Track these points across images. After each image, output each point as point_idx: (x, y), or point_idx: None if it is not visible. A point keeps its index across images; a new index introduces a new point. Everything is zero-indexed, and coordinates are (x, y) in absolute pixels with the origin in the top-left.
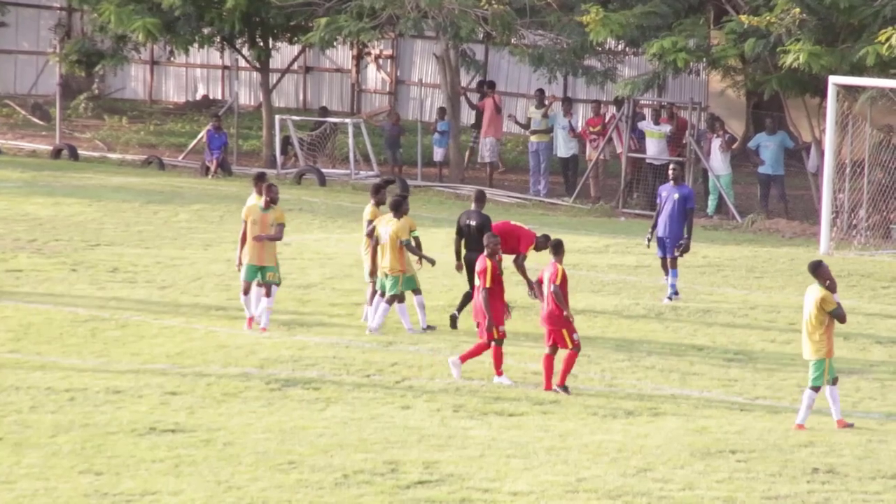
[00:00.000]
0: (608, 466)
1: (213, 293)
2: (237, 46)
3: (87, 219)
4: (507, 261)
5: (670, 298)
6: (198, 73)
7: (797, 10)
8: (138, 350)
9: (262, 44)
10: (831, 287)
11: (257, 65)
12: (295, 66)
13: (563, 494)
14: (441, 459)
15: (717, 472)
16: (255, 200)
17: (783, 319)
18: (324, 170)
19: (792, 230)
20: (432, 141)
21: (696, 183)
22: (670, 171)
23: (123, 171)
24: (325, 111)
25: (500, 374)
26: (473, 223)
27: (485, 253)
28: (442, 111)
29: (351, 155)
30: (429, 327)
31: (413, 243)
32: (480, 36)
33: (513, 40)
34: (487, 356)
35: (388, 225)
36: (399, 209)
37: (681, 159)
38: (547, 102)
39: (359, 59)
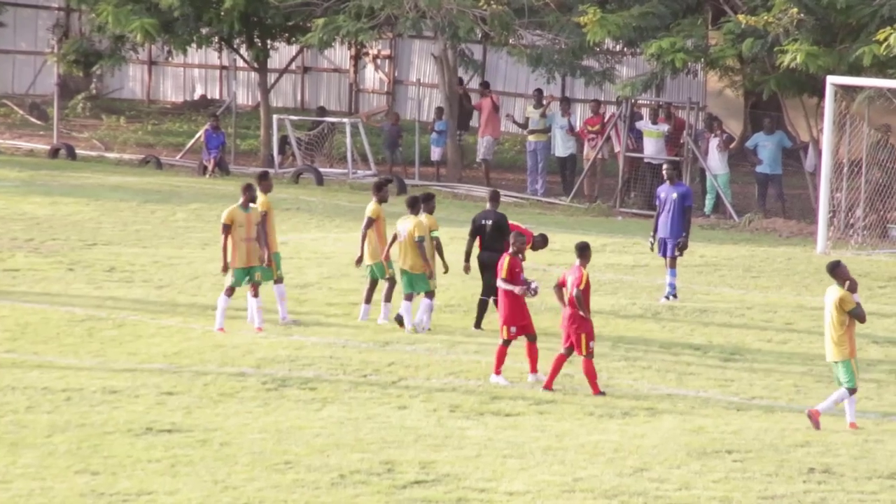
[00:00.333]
0: (604, 466)
1: (211, 293)
2: (235, 46)
3: (84, 218)
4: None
5: (667, 298)
6: (196, 73)
7: (795, 10)
8: (135, 350)
9: (260, 44)
10: (851, 287)
11: (255, 65)
12: (293, 66)
13: (559, 494)
14: (437, 459)
15: (713, 472)
16: (259, 198)
17: (780, 319)
18: (321, 169)
19: (789, 230)
20: (430, 140)
21: (694, 182)
22: (665, 172)
23: (121, 171)
24: (322, 111)
25: (498, 373)
26: (490, 222)
27: (510, 251)
28: (440, 111)
29: (349, 154)
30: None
31: (424, 242)
32: (479, 36)
33: (511, 40)
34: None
35: (406, 222)
36: (414, 207)
37: (677, 159)
38: (545, 102)
39: (357, 59)
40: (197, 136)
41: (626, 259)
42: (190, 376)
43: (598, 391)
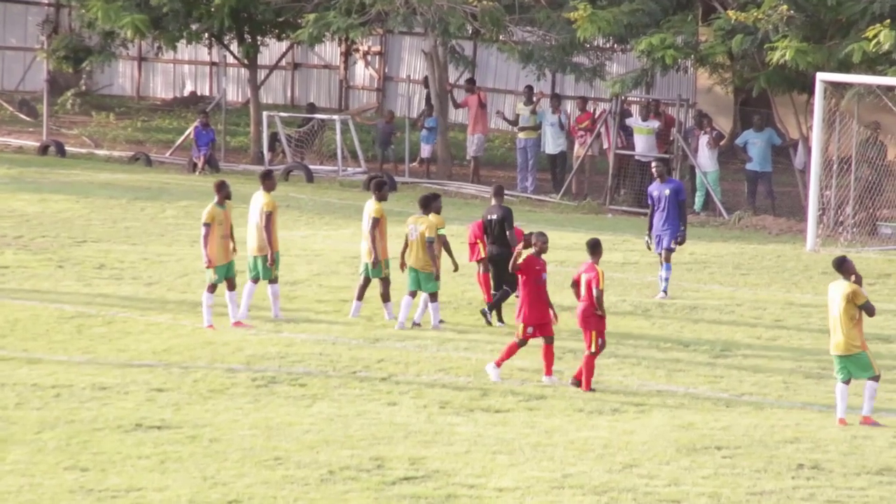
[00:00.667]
0: (594, 462)
1: (200, 290)
2: (225, 43)
3: (73, 215)
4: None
5: (665, 292)
6: (185, 69)
7: (784, 6)
8: (124, 346)
9: (250, 40)
10: (858, 281)
11: (245, 61)
12: (283, 63)
13: (548, 490)
14: (427, 456)
15: (702, 468)
16: (263, 198)
17: (769, 316)
18: (311, 166)
19: (779, 227)
20: (419, 137)
21: (684, 180)
22: (654, 169)
23: (110, 168)
24: (312, 108)
25: (498, 365)
26: (495, 217)
27: (532, 251)
28: (430, 108)
29: (339, 151)
30: (414, 324)
31: (434, 243)
32: (469, 32)
33: (501, 37)
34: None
35: (417, 222)
36: (426, 206)
37: (667, 156)
38: (535, 99)
39: (347, 55)
40: (187, 132)
41: (616, 256)
42: (179, 373)
43: (589, 388)
